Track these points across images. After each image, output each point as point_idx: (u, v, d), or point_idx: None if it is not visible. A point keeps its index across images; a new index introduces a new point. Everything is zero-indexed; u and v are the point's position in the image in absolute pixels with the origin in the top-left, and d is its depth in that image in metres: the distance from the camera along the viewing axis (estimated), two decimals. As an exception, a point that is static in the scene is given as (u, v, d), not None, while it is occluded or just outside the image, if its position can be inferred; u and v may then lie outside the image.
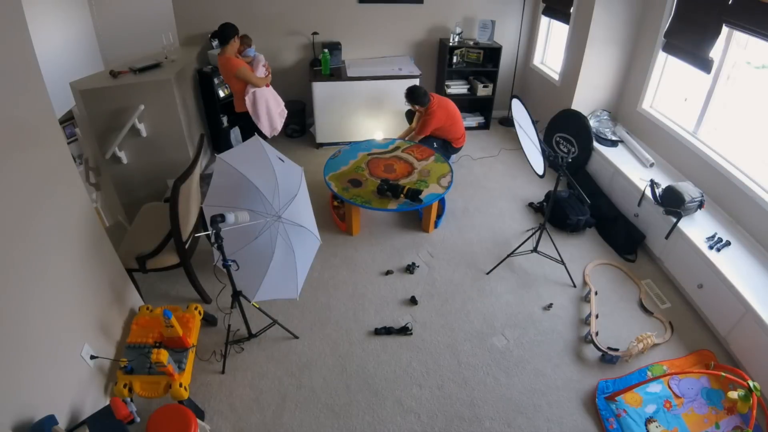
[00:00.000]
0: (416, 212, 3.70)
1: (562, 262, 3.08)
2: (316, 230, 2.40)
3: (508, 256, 3.19)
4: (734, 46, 3.01)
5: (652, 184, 3.25)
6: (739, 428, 2.21)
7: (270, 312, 2.64)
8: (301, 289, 2.38)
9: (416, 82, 4.45)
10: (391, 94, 4.44)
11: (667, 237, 3.03)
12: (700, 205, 3.03)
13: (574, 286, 3.05)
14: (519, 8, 4.75)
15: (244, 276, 2.29)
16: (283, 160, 2.29)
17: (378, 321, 2.78)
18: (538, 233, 3.15)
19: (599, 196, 3.76)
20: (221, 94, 4.21)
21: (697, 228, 2.96)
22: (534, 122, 2.74)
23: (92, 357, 1.97)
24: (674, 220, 2.99)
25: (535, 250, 3.19)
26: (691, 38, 3.25)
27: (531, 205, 3.83)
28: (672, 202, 3.04)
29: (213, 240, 2.01)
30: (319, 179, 3.69)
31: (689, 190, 3.02)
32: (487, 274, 3.14)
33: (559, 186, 2.89)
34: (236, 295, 2.34)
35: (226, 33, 3.43)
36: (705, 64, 3.13)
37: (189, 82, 3.97)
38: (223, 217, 1.97)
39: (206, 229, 2.01)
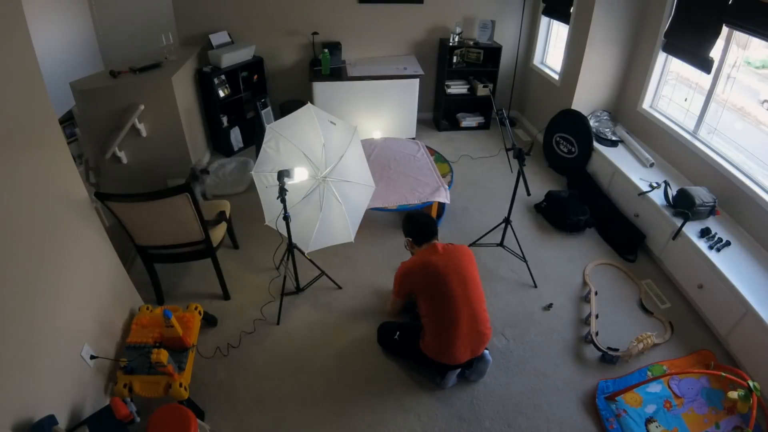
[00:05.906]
0: (416, 212, 3.69)
1: (524, 260, 3.10)
2: (369, 178, 2.59)
3: (471, 245, 3.24)
4: (734, 46, 3.02)
5: (666, 185, 3.23)
6: (739, 428, 2.21)
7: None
8: (355, 233, 2.62)
9: (419, 81, 4.46)
10: (392, 93, 4.43)
11: (674, 238, 3.00)
12: (712, 212, 3.00)
13: (535, 287, 3.04)
14: (519, 8, 4.75)
15: (295, 233, 2.56)
16: (335, 123, 2.44)
17: (378, 321, 2.77)
18: (504, 227, 3.17)
19: (599, 196, 3.76)
20: (221, 94, 4.21)
21: (697, 228, 2.95)
22: (499, 111, 2.79)
23: (92, 357, 1.97)
24: (681, 221, 2.96)
25: (500, 244, 3.24)
26: (691, 38, 3.24)
27: (536, 206, 3.82)
28: (682, 204, 3.02)
29: (278, 194, 2.26)
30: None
31: (701, 194, 2.99)
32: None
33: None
34: (291, 248, 2.61)
35: None
36: (705, 64, 3.13)
37: (189, 82, 3.97)
38: (288, 172, 2.25)
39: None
